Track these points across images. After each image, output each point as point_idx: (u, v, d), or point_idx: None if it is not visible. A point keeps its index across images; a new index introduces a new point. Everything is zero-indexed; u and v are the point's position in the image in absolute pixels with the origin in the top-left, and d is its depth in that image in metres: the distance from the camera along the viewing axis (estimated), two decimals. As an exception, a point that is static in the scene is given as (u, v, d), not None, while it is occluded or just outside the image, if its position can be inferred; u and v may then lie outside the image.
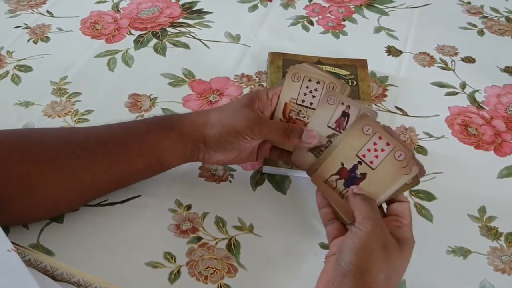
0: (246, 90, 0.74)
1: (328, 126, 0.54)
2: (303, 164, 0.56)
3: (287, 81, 0.57)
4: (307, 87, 0.57)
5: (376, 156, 0.51)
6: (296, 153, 0.56)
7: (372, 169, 0.51)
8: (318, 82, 0.57)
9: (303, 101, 0.57)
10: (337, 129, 0.54)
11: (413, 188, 0.62)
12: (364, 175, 0.52)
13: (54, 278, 0.48)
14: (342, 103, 0.54)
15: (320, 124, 0.55)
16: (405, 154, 0.50)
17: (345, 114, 0.54)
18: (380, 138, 0.51)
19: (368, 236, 0.45)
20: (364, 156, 0.52)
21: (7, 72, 0.75)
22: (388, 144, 0.51)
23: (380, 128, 0.52)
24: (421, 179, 0.63)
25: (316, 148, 0.55)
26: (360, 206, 0.49)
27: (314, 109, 0.57)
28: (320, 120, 0.55)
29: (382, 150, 0.51)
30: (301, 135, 0.54)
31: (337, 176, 0.53)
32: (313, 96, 0.57)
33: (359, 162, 0.52)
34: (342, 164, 0.53)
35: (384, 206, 0.53)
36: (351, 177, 0.52)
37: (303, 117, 0.57)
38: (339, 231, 0.52)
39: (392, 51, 0.83)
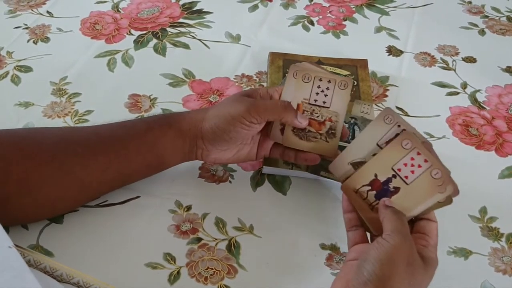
0: (246, 90, 0.74)
1: (377, 145, 0.53)
2: (340, 176, 0.54)
3: (298, 82, 0.57)
4: (319, 86, 0.57)
5: (412, 172, 0.50)
6: (336, 163, 0.54)
7: (407, 184, 0.50)
8: (329, 81, 0.57)
9: (315, 100, 0.57)
10: None
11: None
12: (397, 189, 0.51)
13: (53, 279, 0.48)
14: (399, 125, 0.52)
15: (369, 140, 0.53)
16: (442, 173, 0.49)
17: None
18: (418, 153, 0.50)
19: (396, 249, 0.44)
20: (399, 170, 0.51)
21: (7, 73, 0.75)
22: (426, 161, 0.50)
23: (419, 144, 0.51)
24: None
25: (359, 163, 0.53)
26: (390, 219, 0.48)
27: (328, 107, 0.56)
28: (370, 136, 0.53)
29: (419, 166, 0.50)
30: (296, 113, 0.54)
31: (369, 187, 0.51)
32: (326, 95, 0.57)
33: (394, 176, 0.51)
34: (376, 175, 0.51)
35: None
36: (383, 189, 0.51)
37: (317, 116, 0.57)
38: (362, 238, 0.51)
39: (393, 51, 0.82)
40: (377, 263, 0.44)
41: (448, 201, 0.50)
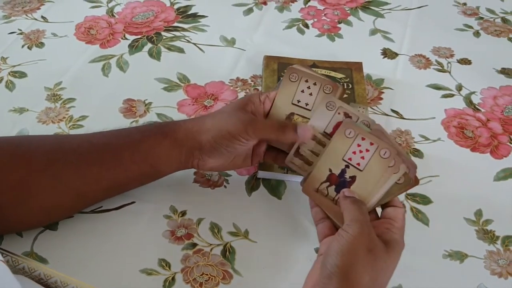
0: (241, 94, 0.74)
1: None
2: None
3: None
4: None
5: (362, 157, 0.51)
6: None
7: (360, 170, 0.51)
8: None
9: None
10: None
11: (409, 192, 0.62)
12: (353, 178, 0.52)
13: (48, 286, 0.48)
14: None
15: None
16: (390, 151, 0.50)
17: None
18: (363, 139, 0.52)
19: (354, 239, 0.45)
20: (350, 159, 0.52)
21: (2, 79, 0.75)
22: (371, 143, 0.51)
23: (361, 130, 0.52)
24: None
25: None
26: (348, 209, 0.49)
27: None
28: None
29: (367, 150, 0.51)
30: (295, 129, 0.54)
31: (327, 183, 0.53)
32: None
33: (347, 166, 0.52)
34: (330, 170, 0.53)
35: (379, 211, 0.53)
36: (341, 182, 0.52)
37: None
38: (330, 230, 0.52)
39: (388, 54, 0.82)
40: (338, 255, 0.45)
41: (407, 181, 0.51)
